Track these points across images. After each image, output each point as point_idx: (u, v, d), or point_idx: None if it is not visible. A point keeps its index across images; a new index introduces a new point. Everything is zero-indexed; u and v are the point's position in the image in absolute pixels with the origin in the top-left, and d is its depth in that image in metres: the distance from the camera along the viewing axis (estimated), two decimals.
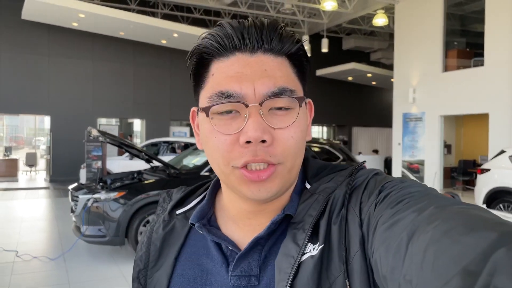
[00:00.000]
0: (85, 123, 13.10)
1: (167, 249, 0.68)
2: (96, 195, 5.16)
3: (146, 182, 5.65)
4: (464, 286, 0.33)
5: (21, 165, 17.52)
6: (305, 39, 15.65)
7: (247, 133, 0.55)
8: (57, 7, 11.38)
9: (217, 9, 15.73)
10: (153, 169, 6.27)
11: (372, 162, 13.26)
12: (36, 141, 23.36)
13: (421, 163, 12.32)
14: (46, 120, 15.25)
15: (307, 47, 15.18)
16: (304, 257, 0.55)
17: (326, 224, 0.57)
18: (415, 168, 12.53)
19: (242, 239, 0.64)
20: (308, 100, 0.64)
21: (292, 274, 0.54)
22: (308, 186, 0.64)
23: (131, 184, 5.48)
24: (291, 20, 16.91)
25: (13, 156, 17.19)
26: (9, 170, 15.30)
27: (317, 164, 0.67)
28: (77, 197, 5.31)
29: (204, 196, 0.72)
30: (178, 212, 0.71)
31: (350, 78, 18.73)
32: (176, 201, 0.73)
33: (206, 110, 0.58)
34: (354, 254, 0.53)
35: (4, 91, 13.60)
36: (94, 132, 5.78)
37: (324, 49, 15.22)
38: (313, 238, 0.57)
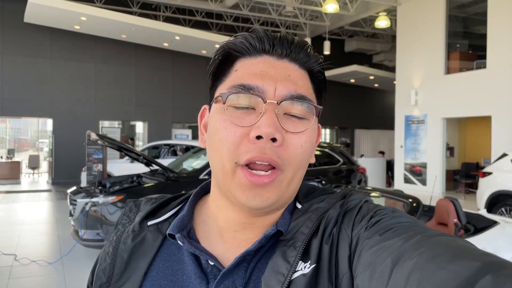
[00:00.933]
0: (87, 126, 13.12)
1: (135, 262, 0.63)
2: (94, 199, 5.16)
3: (145, 185, 5.64)
4: None
5: (24, 167, 17.58)
6: (307, 41, 15.81)
7: (259, 128, 0.54)
8: (59, 10, 11.42)
9: (219, 11, 15.74)
10: (153, 173, 6.26)
11: (374, 165, 13.20)
12: (39, 143, 23.47)
13: (424, 165, 12.26)
14: (49, 123, 15.31)
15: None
16: (295, 275, 0.54)
17: (319, 243, 0.56)
18: (418, 170, 12.48)
19: (225, 254, 0.61)
20: (318, 125, 0.65)
21: None
22: (299, 206, 0.64)
23: (129, 188, 5.47)
24: (293, 22, 16.91)
25: (16, 159, 17.25)
26: (12, 173, 15.36)
27: (307, 186, 0.68)
28: (76, 200, 5.31)
29: (179, 209, 0.69)
30: (149, 223, 0.67)
31: (352, 81, 18.69)
32: (148, 211, 0.68)
33: (223, 96, 0.58)
34: (342, 275, 0.53)
35: (7, 94, 13.66)
36: (93, 136, 5.78)
37: (326, 52, 15.19)
38: (304, 256, 0.56)
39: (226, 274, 0.58)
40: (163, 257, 0.63)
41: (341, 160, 7.15)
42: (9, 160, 16.31)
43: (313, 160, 0.64)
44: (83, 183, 9.35)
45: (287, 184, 0.58)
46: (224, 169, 0.57)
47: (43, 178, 16.91)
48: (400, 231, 0.49)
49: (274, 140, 0.55)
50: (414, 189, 11.94)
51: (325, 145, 7.84)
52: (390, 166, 14.14)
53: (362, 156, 16.23)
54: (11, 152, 17.41)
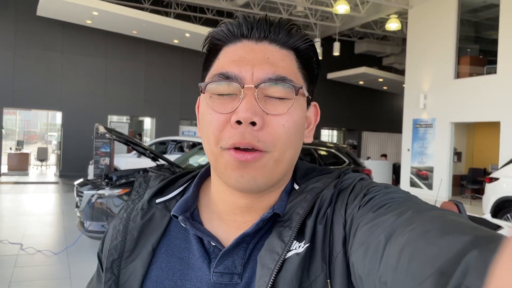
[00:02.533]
0: (96, 120, 13.20)
1: (145, 239, 0.65)
2: (100, 191, 5.21)
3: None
4: (437, 287, 0.34)
5: (33, 159, 17.76)
6: (317, 41, 15.54)
7: (238, 113, 0.55)
8: (71, 4, 11.52)
9: (230, 10, 15.78)
10: (159, 167, 6.30)
11: (381, 167, 13.16)
12: (48, 136, 23.67)
13: (430, 170, 12.20)
14: (58, 116, 15.44)
15: (318, 50, 15.16)
16: (289, 254, 0.55)
17: (313, 223, 0.57)
18: (424, 174, 12.42)
19: (226, 236, 0.63)
20: (314, 103, 0.65)
21: (275, 270, 0.54)
22: (296, 187, 0.64)
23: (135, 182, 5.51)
24: (303, 22, 16.89)
25: (25, 150, 17.42)
26: (21, 164, 15.51)
27: (305, 166, 0.68)
28: (82, 192, 5.37)
29: (185, 187, 0.71)
30: (157, 201, 0.68)
31: (361, 82, 18.65)
32: (156, 190, 0.70)
33: (202, 86, 0.60)
34: (336, 254, 0.54)
35: (18, 86, 13.80)
36: (101, 129, 5.84)
37: (336, 53, 15.18)
38: (298, 236, 0.56)
39: (226, 254, 0.59)
40: (171, 234, 0.65)
41: (347, 161, 7.15)
42: (18, 152, 16.48)
43: (308, 140, 0.64)
44: (90, 176, 9.44)
45: (275, 164, 0.58)
46: (213, 153, 0.59)
47: (51, 170, 17.07)
48: (393, 207, 0.49)
49: (254, 124, 0.55)
50: (419, 193, 11.89)
51: (331, 145, 7.84)
52: (395, 169, 14.09)
53: (368, 158, 16.19)
54: (20, 143, 17.59)
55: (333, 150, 7.36)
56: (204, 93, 0.59)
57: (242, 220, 0.63)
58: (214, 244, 0.61)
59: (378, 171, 12.53)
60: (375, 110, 20.77)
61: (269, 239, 0.58)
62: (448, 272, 0.34)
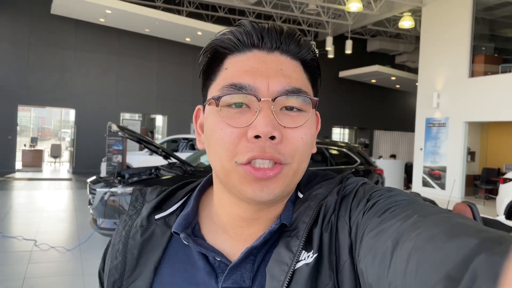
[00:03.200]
0: (108, 118, 13.34)
1: (145, 257, 0.63)
2: (112, 189, 5.26)
3: (162, 178, 5.72)
4: None
5: (46, 156, 17.98)
6: (329, 40, 15.43)
7: (256, 128, 0.53)
8: (85, 2, 11.63)
9: (242, 8, 15.77)
10: (170, 166, 6.34)
11: (392, 167, 13.06)
12: (61, 133, 23.94)
13: (443, 169, 12.07)
14: (71, 113, 15.61)
15: (330, 48, 15.09)
16: (299, 264, 0.54)
17: (319, 231, 0.56)
18: (437, 174, 12.29)
19: (232, 250, 0.61)
20: (316, 112, 0.64)
21: (286, 282, 0.53)
22: (300, 195, 0.63)
23: (147, 180, 5.56)
24: (315, 20, 16.82)
25: (39, 147, 17.65)
26: (35, 161, 15.72)
27: (307, 173, 0.66)
28: (95, 190, 5.42)
29: (185, 201, 0.69)
30: (157, 217, 0.67)
31: (373, 81, 18.51)
32: (154, 205, 0.68)
33: (216, 99, 0.56)
34: (343, 262, 0.53)
35: (32, 83, 13.98)
36: (114, 127, 5.89)
37: (348, 51, 15.08)
38: (307, 246, 0.56)
39: (234, 269, 0.58)
40: (173, 251, 0.64)
41: (359, 160, 7.11)
42: (32, 149, 16.70)
43: (314, 150, 0.63)
44: (103, 173, 9.54)
45: (293, 174, 0.58)
46: (224, 169, 0.57)
47: (64, 167, 17.28)
48: (398, 211, 0.49)
49: (272, 138, 0.54)
50: (432, 193, 11.78)
51: (343, 144, 7.80)
52: (407, 168, 13.97)
53: (380, 157, 16.07)
54: (34, 140, 17.83)
55: (344, 150, 7.33)
56: (217, 106, 0.56)
57: (248, 233, 0.62)
58: (219, 259, 0.60)
59: (390, 171, 12.43)
60: (387, 108, 20.62)
61: (277, 250, 0.57)
62: (456, 277, 0.34)
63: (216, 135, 0.56)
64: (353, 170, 0.70)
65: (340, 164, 7.03)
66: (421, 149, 12.82)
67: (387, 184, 10.27)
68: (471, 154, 12.66)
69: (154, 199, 0.69)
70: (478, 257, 0.33)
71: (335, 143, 7.64)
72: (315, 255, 0.54)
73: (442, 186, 12.00)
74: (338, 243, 0.55)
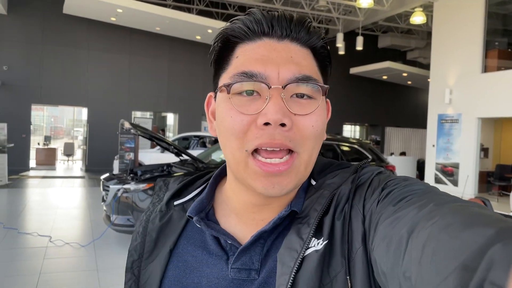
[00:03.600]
0: (120, 116, 13.45)
1: (163, 240, 0.66)
2: (126, 186, 5.32)
3: (174, 175, 5.76)
4: (462, 281, 0.33)
5: (60, 154, 18.20)
6: (340, 36, 15.31)
7: (266, 115, 0.54)
8: (96, 2, 11.73)
9: (252, 5, 15.75)
10: (182, 163, 6.38)
11: (403, 164, 12.98)
12: (74, 131, 24.20)
13: (456, 166, 11.95)
14: (84, 112, 15.78)
15: (341, 44, 15.01)
16: (308, 251, 0.55)
17: (331, 219, 0.57)
18: (449, 171, 12.18)
19: (243, 233, 0.63)
20: (327, 100, 0.64)
21: (295, 268, 0.54)
22: (313, 182, 0.64)
23: (159, 176, 5.61)
24: (326, 17, 16.75)
25: (52, 146, 17.87)
26: (48, 159, 15.93)
27: (322, 161, 0.67)
28: (108, 187, 5.48)
29: (203, 188, 0.71)
30: (175, 203, 0.70)
31: (384, 77, 18.37)
32: (174, 192, 0.71)
33: (227, 87, 0.57)
34: (356, 250, 0.54)
35: (45, 83, 14.15)
36: (126, 125, 5.95)
37: (359, 47, 14.98)
38: (317, 233, 0.56)
39: (243, 251, 0.60)
40: (188, 235, 0.66)
41: (370, 157, 7.08)
42: (46, 147, 16.92)
43: (324, 137, 0.63)
44: (115, 171, 9.63)
45: (305, 167, 0.58)
46: (235, 158, 0.57)
47: (77, 165, 17.47)
48: (414, 200, 0.49)
49: (283, 125, 0.54)
50: (445, 190, 11.61)
51: (354, 141, 7.77)
52: (419, 165, 13.86)
53: (392, 154, 15.97)
54: (47, 139, 18.06)
55: (356, 146, 7.30)
56: (228, 93, 0.57)
57: (259, 218, 0.63)
58: (230, 242, 0.61)
59: (402, 168, 12.35)
60: (399, 105, 20.46)
61: (287, 237, 0.57)
62: (472, 266, 0.33)
63: (227, 122, 0.57)
64: (369, 160, 0.70)
65: (352, 161, 7.01)
66: (433, 145, 12.71)
67: None
68: (484, 151, 12.51)
69: (175, 187, 0.73)
70: (494, 247, 0.33)
71: (346, 140, 7.61)
72: (325, 242, 0.55)
73: (455, 183, 11.89)
74: (351, 232, 0.55)
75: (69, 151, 17.79)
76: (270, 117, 0.53)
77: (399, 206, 0.49)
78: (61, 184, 11.58)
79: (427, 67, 15.30)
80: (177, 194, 0.71)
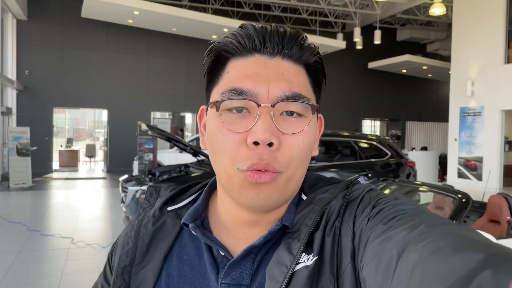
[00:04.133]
0: (139, 117, 13.61)
1: (156, 245, 0.66)
2: (144, 187, 5.37)
3: (192, 175, 5.79)
4: None
5: (82, 156, 18.54)
6: (357, 31, 15.13)
7: (255, 134, 0.54)
8: (113, 5, 11.87)
9: (267, 2, 15.70)
10: (199, 163, 6.41)
11: (424, 159, 12.75)
12: (95, 133, 24.62)
13: (479, 160, 11.69)
14: (104, 114, 16.02)
15: (358, 39, 14.83)
16: (298, 266, 0.54)
17: (321, 235, 0.56)
18: (472, 165, 11.92)
19: (234, 246, 0.62)
20: (320, 115, 0.64)
21: (284, 283, 0.53)
22: (304, 197, 0.64)
23: (177, 177, 5.64)
24: (342, 12, 16.56)
25: (74, 147, 18.22)
26: (70, 161, 16.24)
27: (313, 176, 0.67)
28: (127, 188, 5.55)
29: (197, 196, 0.71)
30: (169, 208, 0.69)
31: (404, 71, 18.09)
32: (168, 197, 0.71)
33: (217, 104, 0.57)
34: (345, 267, 0.53)
35: (66, 86, 14.42)
36: (144, 126, 6.01)
37: (377, 41, 14.80)
38: (307, 248, 0.56)
39: (234, 265, 0.59)
40: (182, 242, 0.66)
41: (389, 153, 6.97)
42: (68, 149, 17.26)
43: (315, 153, 0.63)
44: (135, 172, 9.75)
45: (287, 182, 0.58)
46: (227, 173, 0.57)
47: (98, 166, 17.76)
48: (404, 219, 0.49)
49: (270, 144, 0.54)
50: (468, 184, 11.43)
51: (373, 137, 7.67)
52: (441, 160, 13.60)
53: (413, 149, 15.72)
54: (69, 141, 18.42)
55: (374, 143, 7.19)
56: (218, 110, 0.57)
57: (249, 233, 0.63)
58: (223, 253, 0.61)
59: (423, 163, 12.13)
60: (419, 99, 20.09)
61: (277, 251, 0.57)
62: None
63: (218, 140, 0.57)
64: (359, 176, 0.69)
65: (370, 158, 6.92)
66: (455, 139, 12.45)
67: (421, 176, 10.04)
68: (509, 144, 12.19)
69: (167, 194, 0.72)
70: (483, 273, 0.33)
71: (364, 136, 7.51)
72: (315, 258, 0.55)
73: (479, 177, 11.63)
74: (340, 248, 0.55)
75: (90, 152, 18.11)
76: (259, 136, 0.54)
77: (389, 225, 0.49)
78: (83, 185, 11.80)
79: (447, 59, 14.98)
80: (171, 200, 0.71)
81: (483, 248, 0.37)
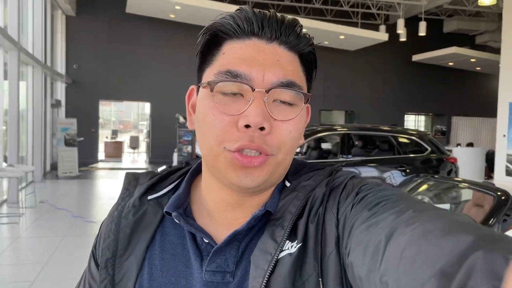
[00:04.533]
0: (180, 109, 13.88)
1: (138, 236, 0.64)
2: None
3: None
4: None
5: (126, 147, 19.21)
6: (400, 22, 14.65)
7: (247, 117, 0.54)
8: (156, 0, 12.16)
9: None
10: None
11: (470, 156, 12.24)
12: (140, 125, 25.39)
13: None
14: (147, 106, 16.48)
15: (402, 31, 14.39)
16: (282, 254, 0.55)
17: (305, 222, 0.57)
18: None
19: (218, 233, 0.62)
20: (307, 105, 0.64)
21: (269, 271, 0.54)
22: (288, 184, 0.64)
23: None
24: (385, 2, 16.11)
25: (119, 139, 18.90)
26: (115, 152, 16.87)
27: (296, 162, 0.67)
28: None
29: (177, 184, 0.70)
30: (149, 197, 0.67)
31: (451, 64, 17.38)
32: (148, 186, 0.68)
33: (211, 84, 0.57)
34: (329, 254, 0.54)
35: (111, 79, 14.95)
36: (181, 119, 6.15)
37: (422, 33, 14.30)
38: (291, 236, 0.56)
39: (218, 252, 0.59)
40: (164, 231, 0.64)
41: (429, 148, 6.76)
42: (113, 140, 17.92)
43: (302, 141, 0.63)
44: (174, 163, 10.00)
45: (277, 165, 0.58)
46: (212, 152, 0.57)
47: (141, 157, 18.34)
48: (390, 205, 0.49)
49: (262, 128, 0.55)
50: None
51: (413, 132, 7.47)
52: (488, 157, 13.01)
53: (458, 145, 15.13)
54: (114, 133, 19.11)
55: (414, 138, 7.00)
56: (211, 91, 0.57)
57: (233, 217, 0.62)
58: (207, 241, 0.61)
59: (469, 160, 11.66)
60: (466, 93, 19.25)
61: (262, 239, 0.57)
62: (450, 273, 0.33)
63: (208, 120, 0.57)
64: (344, 164, 0.71)
65: (409, 153, 6.74)
66: (504, 135, 11.86)
67: (467, 173, 9.66)
68: None
69: (147, 182, 0.70)
70: (474, 254, 0.33)
71: (404, 131, 7.33)
72: (299, 245, 0.55)
73: None
74: (324, 235, 0.55)
75: (134, 144, 18.72)
76: (251, 119, 0.54)
77: (374, 211, 0.49)
78: None
79: (498, 51, 14.24)
80: (150, 189, 0.69)
81: (474, 231, 0.37)
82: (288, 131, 0.57)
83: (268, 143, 0.56)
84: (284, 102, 0.57)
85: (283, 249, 0.55)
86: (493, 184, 4.27)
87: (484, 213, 3.56)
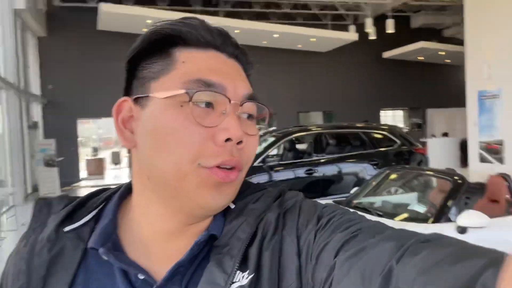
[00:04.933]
0: None
1: (55, 276, 0.54)
2: None
3: None
4: None
5: (109, 163, 19.15)
6: (369, 21, 14.95)
7: (228, 130, 0.51)
8: (125, 16, 12.28)
9: (278, 1, 15.79)
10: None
11: (444, 146, 12.60)
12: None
13: (500, 143, 11.49)
14: None
15: (370, 29, 14.76)
16: (233, 286, 0.50)
17: (258, 250, 0.52)
18: (495, 148, 11.72)
19: (155, 267, 0.54)
20: None
21: None
22: (232, 205, 0.58)
23: None
24: (353, 3, 16.50)
25: (101, 156, 18.85)
26: (97, 169, 16.81)
27: None
28: None
29: (98, 211, 0.61)
30: (66, 229, 0.57)
31: (421, 58, 17.85)
32: (64, 216, 0.59)
33: (190, 93, 0.51)
34: (288, 285, 0.51)
35: (88, 97, 14.92)
36: None
37: (390, 30, 14.70)
38: (241, 265, 0.51)
39: None
40: (89, 269, 0.55)
41: (399, 141, 7.03)
42: (94, 157, 17.86)
43: None
44: None
45: (240, 182, 0.57)
46: (180, 172, 0.51)
47: (125, 173, 18.30)
48: (366, 230, 0.49)
49: (239, 142, 0.52)
50: (491, 168, 11.25)
51: (384, 127, 7.73)
52: (462, 145, 13.42)
53: (433, 136, 15.53)
54: (95, 150, 19.08)
55: (385, 132, 7.26)
56: (190, 100, 0.51)
57: (173, 247, 0.56)
58: (143, 277, 0.53)
59: (444, 149, 12.01)
60: (439, 85, 19.74)
61: (208, 269, 0.52)
62: None
63: (178, 134, 0.51)
64: (287, 187, 0.66)
65: (381, 147, 6.98)
66: (475, 124, 12.26)
67: (442, 163, 9.95)
68: None
69: (62, 209, 0.60)
70: (486, 273, 0.35)
71: (374, 127, 7.59)
72: (251, 275, 0.50)
73: (501, 161, 11.43)
74: (282, 265, 0.52)
75: (116, 160, 18.69)
76: (233, 133, 0.51)
77: (350, 234, 0.48)
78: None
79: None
80: (67, 218, 0.59)
81: (484, 254, 0.38)
82: (254, 146, 0.56)
83: (242, 157, 0.54)
84: (249, 116, 0.56)
85: (234, 280, 0.50)
86: (454, 170, 4.51)
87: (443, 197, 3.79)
